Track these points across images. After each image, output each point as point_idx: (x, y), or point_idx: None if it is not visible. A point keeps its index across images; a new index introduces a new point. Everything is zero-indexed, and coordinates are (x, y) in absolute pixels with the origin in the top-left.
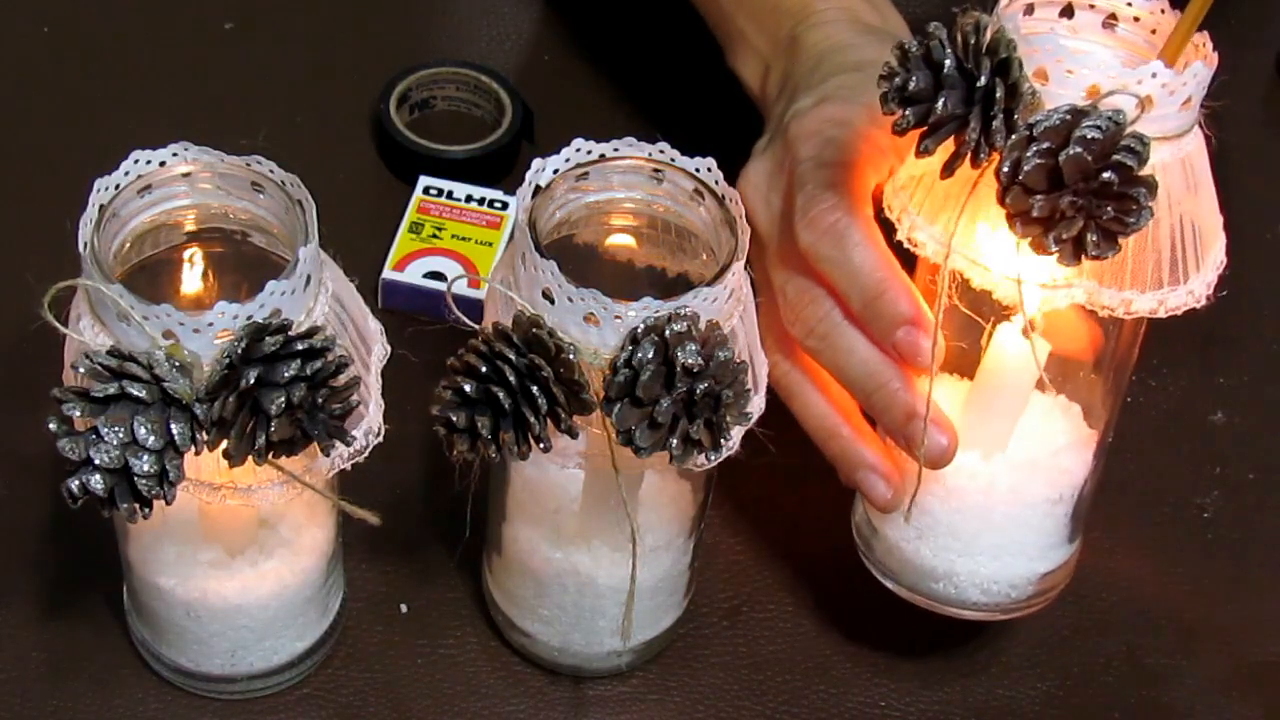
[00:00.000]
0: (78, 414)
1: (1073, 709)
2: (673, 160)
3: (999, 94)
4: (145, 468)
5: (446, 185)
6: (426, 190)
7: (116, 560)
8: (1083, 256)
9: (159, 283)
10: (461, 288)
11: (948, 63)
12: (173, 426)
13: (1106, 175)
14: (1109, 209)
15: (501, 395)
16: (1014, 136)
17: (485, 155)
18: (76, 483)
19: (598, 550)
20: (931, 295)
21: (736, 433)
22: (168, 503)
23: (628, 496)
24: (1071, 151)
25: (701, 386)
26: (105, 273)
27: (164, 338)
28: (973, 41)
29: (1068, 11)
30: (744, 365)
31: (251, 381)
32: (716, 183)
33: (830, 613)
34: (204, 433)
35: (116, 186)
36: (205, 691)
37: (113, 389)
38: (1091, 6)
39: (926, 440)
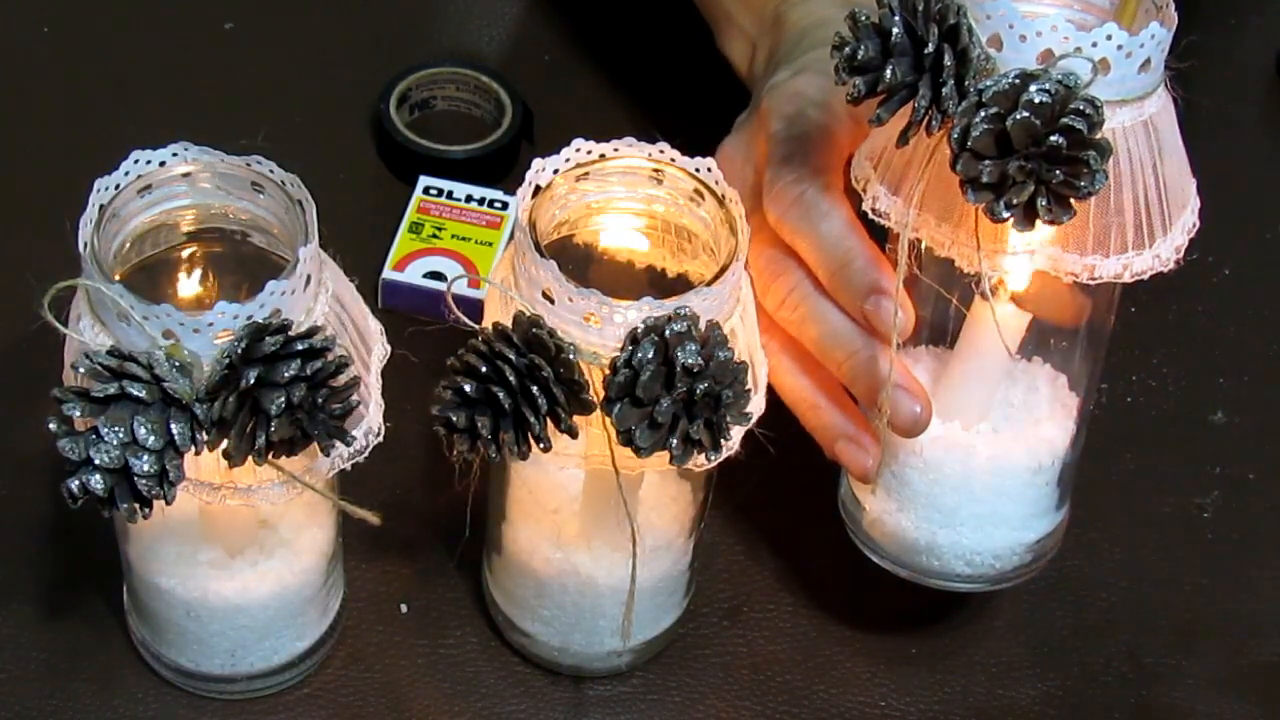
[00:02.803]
0: (78, 414)
1: (1073, 709)
2: (673, 160)
3: (948, 60)
4: (145, 468)
5: (446, 185)
6: (426, 190)
7: (116, 560)
8: (1036, 221)
9: (159, 283)
10: (461, 288)
11: (895, 30)
12: (173, 426)
13: (1055, 139)
14: (1059, 173)
15: (501, 395)
16: (964, 102)
17: (485, 155)
18: (76, 483)
19: (598, 550)
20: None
21: (736, 433)
22: (168, 503)
23: (628, 496)
24: (1019, 116)
25: (701, 386)
26: (105, 273)
27: (164, 338)
28: (921, 8)
29: None
30: (744, 365)
31: (251, 381)
32: (716, 183)
33: (830, 612)
34: (204, 433)
35: (116, 186)
36: (205, 691)
37: (113, 389)
38: None
39: (897, 407)
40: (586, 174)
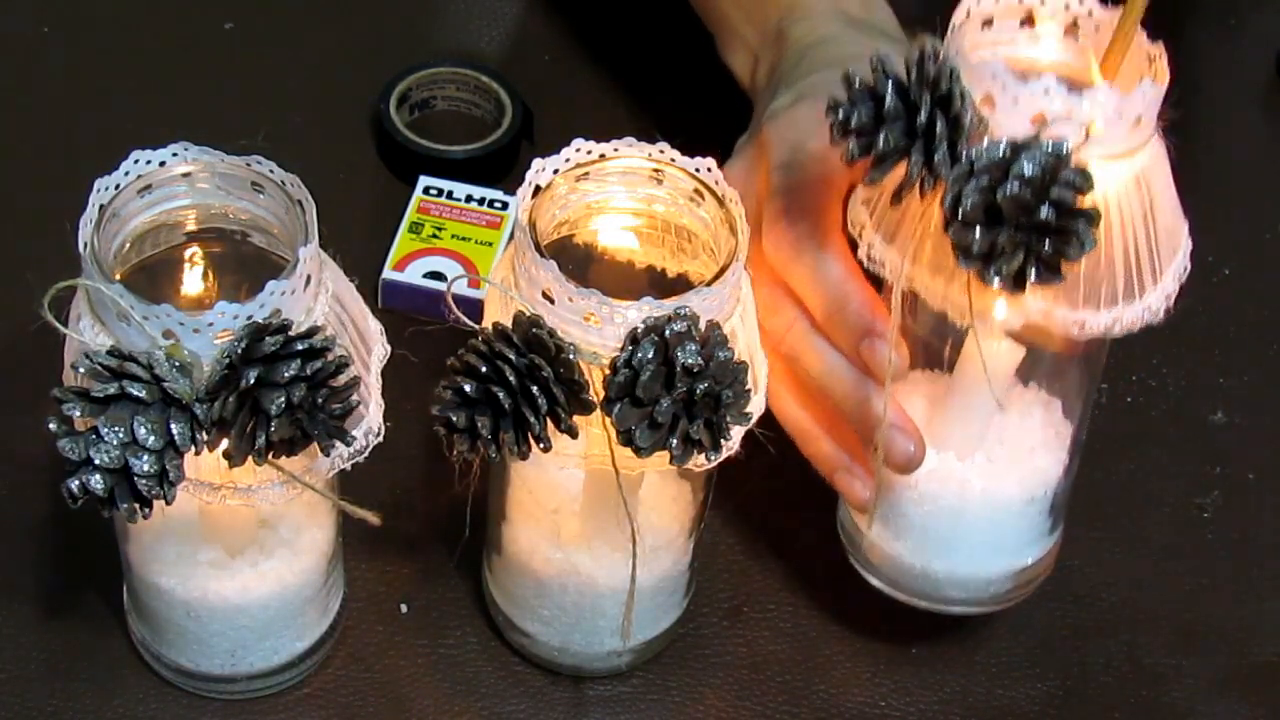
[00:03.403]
0: (78, 414)
1: (1073, 709)
2: (673, 160)
3: (940, 128)
4: (145, 468)
5: (446, 185)
6: (426, 190)
7: (116, 560)
8: (1026, 287)
9: (159, 283)
10: (461, 288)
11: (889, 97)
12: (173, 426)
13: (1045, 212)
14: (1047, 244)
15: (501, 395)
16: (956, 170)
17: (485, 155)
18: (76, 483)
19: (598, 550)
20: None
21: (736, 433)
22: (168, 503)
23: (628, 496)
24: (1009, 189)
25: (701, 386)
26: (105, 273)
27: (164, 338)
28: (915, 74)
29: (1029, 20)
30: (744, 365)
31: (251, 381)
32: (716, 183)
33: (830, 613)
34: (204, 433)
35: (116, 186)
36: (205, 691)
37: (113, 389)
38: (1053, 16)
39: (891, 447)
40: (586, 174)
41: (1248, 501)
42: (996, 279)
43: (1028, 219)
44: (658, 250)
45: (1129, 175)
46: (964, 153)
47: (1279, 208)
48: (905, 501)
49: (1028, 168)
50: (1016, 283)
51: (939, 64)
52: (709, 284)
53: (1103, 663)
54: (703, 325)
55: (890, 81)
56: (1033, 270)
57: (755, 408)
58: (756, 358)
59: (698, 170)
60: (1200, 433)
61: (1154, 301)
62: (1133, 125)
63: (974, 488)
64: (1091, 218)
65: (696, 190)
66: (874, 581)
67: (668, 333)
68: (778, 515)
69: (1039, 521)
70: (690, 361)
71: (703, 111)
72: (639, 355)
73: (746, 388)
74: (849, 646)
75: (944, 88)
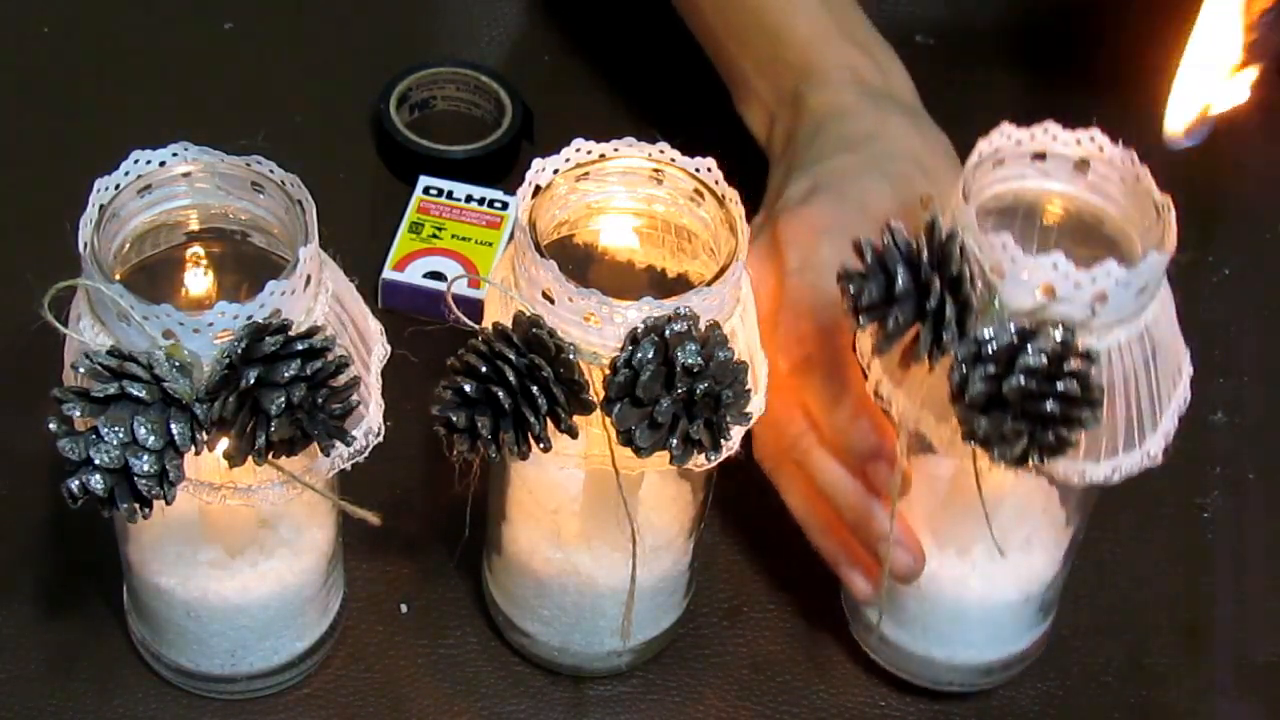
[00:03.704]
0: (78, 414)
1: (1073, 709)
2: (673, 160)
3: (949, 311)
4: (145, 468)
5: (446, 185)
6: (426, 190)
7: (116, 560)
8: (1029, 466)
9: (159, 283)
10: (461, 288)
11: (900, 280)
12: (173, 426)
13: (1050, 407)
14: (1051, 433)
15: (501, 395)
16: (963, 349)
17: (485, 155)
18: (76, 483)
19: (598, 550)
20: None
21: (736, 433)
22: (168, 503)
23: (628, 496)
24: (1015, 381)
25: (701, 386)
26: (105, 273)
27: (164, 338)
28: (926, 255)
29: (1040, 155)
30: (744, 365)
31: (251, 381)
32: (716, 183)
33: (830, 613)
34: (204, 433)
35: (116, 186)
36: (205, 691)
37: (113, 389)
38: (1064, 151)
39: (894, 562)
40: (586, 174)
41: (1248, 501)
42: (1001, 460)
43: (1033, 407)
44: (658, 250)
45: (1134, 333)
46: (972, 332)
47: (1279, 208)
48: (907, 598)
49: (1034, 359)
50: (1020, 462)
51: (949, 237)
52: (709, 284)
53: (1103, 663)
54: (703, 325)
55: (901, 259)
56: (1035, 454)
57: (755, 408)
58: (756, 358)
59: (698, 170)
60: (1200, 433)
61: (1153, 447)
62: (1138, 293)
63: (973, 589)
64: (1096, 403)
65: (696, 190)
66: (875, 658)
67: (668, 333)
68: (778, 515)
69: (1034, 615)
70: (690, 361)
71: (703, 111)
72: (639, 355)
73: (746, 388)
74: (849, 646)
75: (953, 269)
